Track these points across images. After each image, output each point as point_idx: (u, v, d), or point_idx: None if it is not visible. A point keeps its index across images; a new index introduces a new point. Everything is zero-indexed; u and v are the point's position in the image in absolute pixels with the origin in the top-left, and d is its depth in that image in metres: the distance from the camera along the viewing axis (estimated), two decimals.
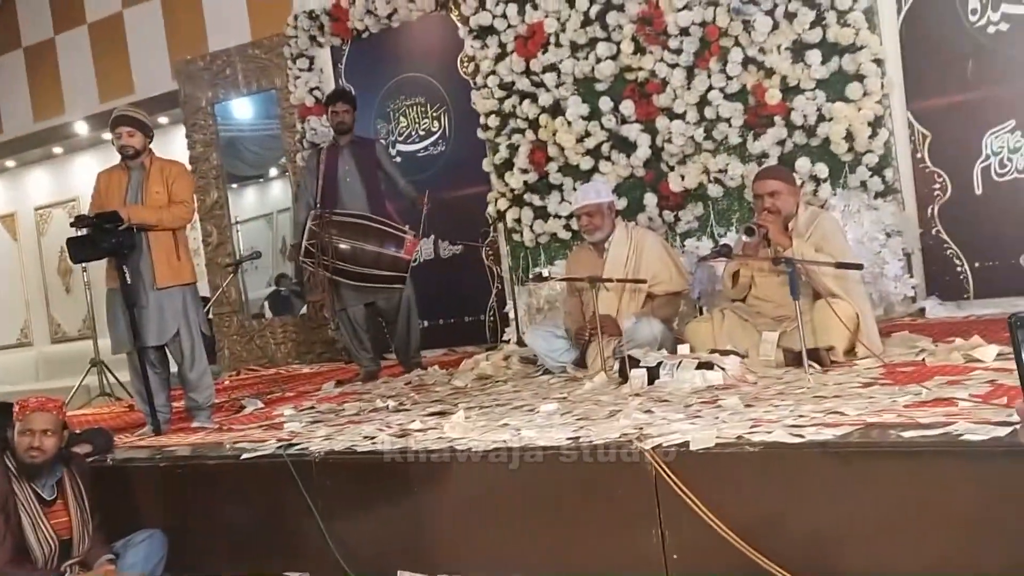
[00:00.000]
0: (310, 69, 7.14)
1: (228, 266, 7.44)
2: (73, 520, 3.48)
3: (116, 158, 4.63)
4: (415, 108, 6.85)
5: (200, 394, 4.63)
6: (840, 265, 3.77)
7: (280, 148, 7.65)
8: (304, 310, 7.58)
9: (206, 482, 3.74)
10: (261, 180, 9.47)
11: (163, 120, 8.92)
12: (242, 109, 8.09)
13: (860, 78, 5.02)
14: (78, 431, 4.13)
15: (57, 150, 10.55)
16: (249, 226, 9.25)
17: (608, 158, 5.80)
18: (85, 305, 8.41)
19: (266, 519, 3.57)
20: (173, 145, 8.45)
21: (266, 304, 8.64)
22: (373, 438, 3.47)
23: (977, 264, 4.96)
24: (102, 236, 4.32)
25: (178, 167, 4.69)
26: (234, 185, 8.49)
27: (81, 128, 9.60)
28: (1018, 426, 2.27)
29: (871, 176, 5.05)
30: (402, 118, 6.92)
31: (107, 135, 4.79)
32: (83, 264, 6.85)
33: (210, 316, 7.38)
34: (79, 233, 4.48)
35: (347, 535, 3.33)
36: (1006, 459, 2.19)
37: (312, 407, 4.69)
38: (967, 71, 4.93)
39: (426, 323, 6.37)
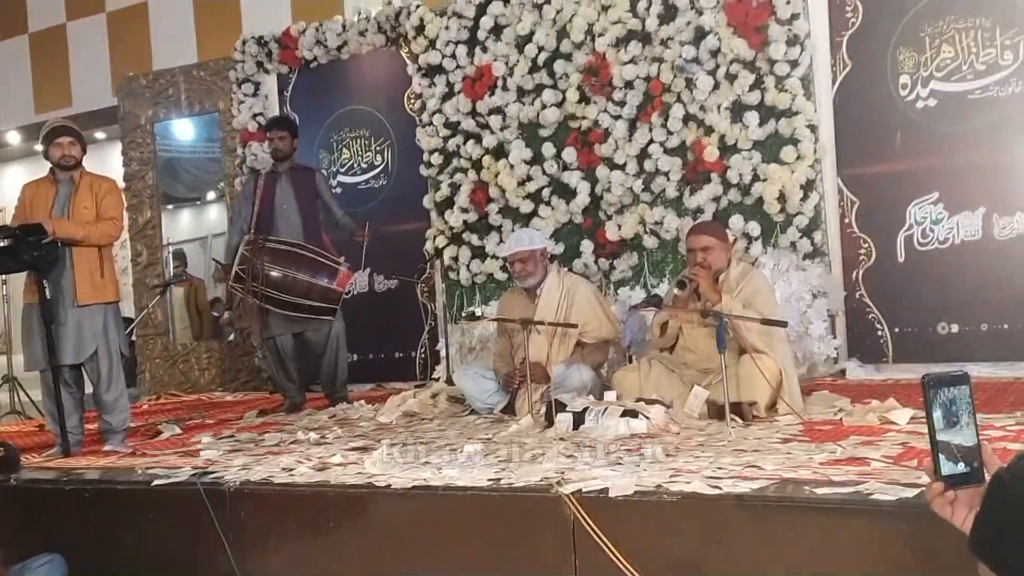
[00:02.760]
0: (255, 95, 7.10)
1: (156, 287, 7.28)
2: None
3: (46, 170, 4.54)
4: (359, 140, 6.84)
5: (115, 417, 4.50)
6: (766, 321, 3.84)
7: (219, 172, 7.55)
8: (232, 336, 7.44)
9: (113, 508, 3.61)
10: (198, 203, 9.32)
11: (99, 136, 8.78)
12: (183, 130, 7.98)
13: (795, 142, 5.17)
14: None
15: None
16: (182, 249, 9.08)
17: (548, 203, 5.87)
18: (1, 319, 8.13)
19: (174, 550, 3.45)
20: (109, 162, 8.31)
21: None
22: (292, 470, 3.40)
23: (897, 329, 5.10)
24: (24, 248, 4.20)
25: (109, 183, 4.60)
26: (169, 206, 8.35)
27: (13, 138, 9.39)
28: (925, 488, 2.32)
29: (801, 237, 5.18)
30: (345, 150, 6.90)
31: (39, 146, 4.68)
32: (2, 276, 6.64)
33: (133, 338, 7.19)
34: (1, 244, 4.35)
35: (258, 570, 3.24)
36: (913, 519, 2.24)
37: (232, 436, 4.58)
38: (896, 143, 5.12)
39: (355, 357, 6.31)
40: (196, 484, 3.37)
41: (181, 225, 9.28)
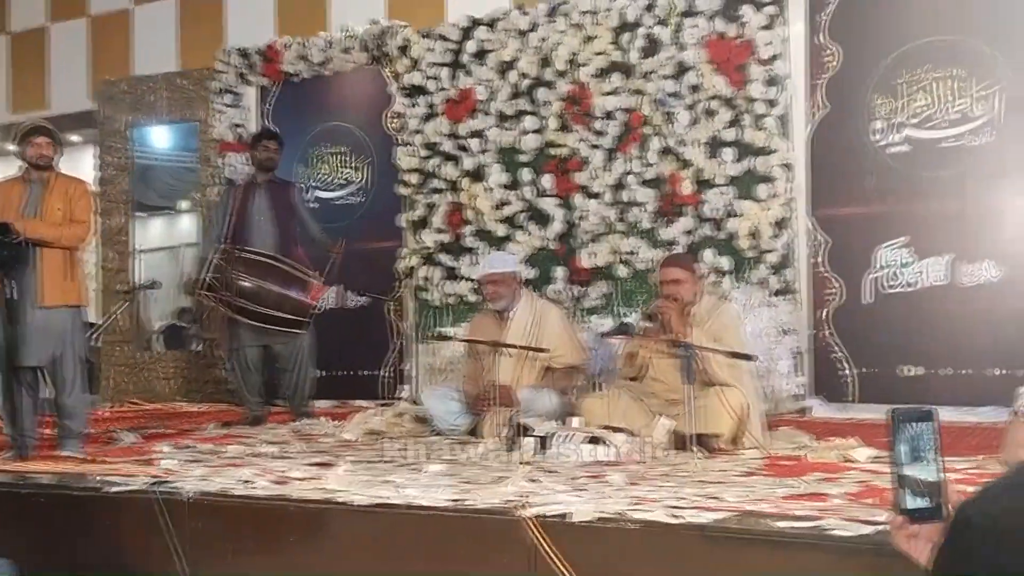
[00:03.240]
0: (236, 106, 7.07)
1: (123, 293, 7.18)
2: None
3: (16, 169, 4.49)
4: (337, 156, 6.83)
5: (73, 422, 4.41)
6: (733, 355, 3.87)
7: (195, 181, 7.48)
8: (199, 347, 7.35)
9: (67, 514, 3.54)
10: (171, 212, 9.25)
11: (75, 139, 8.68)
12: (160, 137, 7.92)
13: (769, 180, 5.24)
14: None
15: None
16: (152, 257, 8.99)
17: (523, 228, 5.89)
18: None
19: (127, 558, 3.39)
20: (81, 165, 8.21)
21: (160, 337, 8.36)
22: (251, 482, 3.36)
23: (862, 369, 5.15)
24: None
25: (82, 186, 4.55)
26: (142, 214, 8.27)
27: None
28: (886, 525, 2.33)
29: (771, 274, 5.23)
30: (323, 165, 6.88)
31: (11, 146, 4.64)
32: None
33: (97, 343, 7.09)
34: None
35: None
36: (871, 555, 2.25)
37: (191, 446, 4.52)
38: (868, 186, 5.19)
39: (323, 373, 6.25)
40: (153, 492, 3.31)
41: (152, 233, 9.20)
